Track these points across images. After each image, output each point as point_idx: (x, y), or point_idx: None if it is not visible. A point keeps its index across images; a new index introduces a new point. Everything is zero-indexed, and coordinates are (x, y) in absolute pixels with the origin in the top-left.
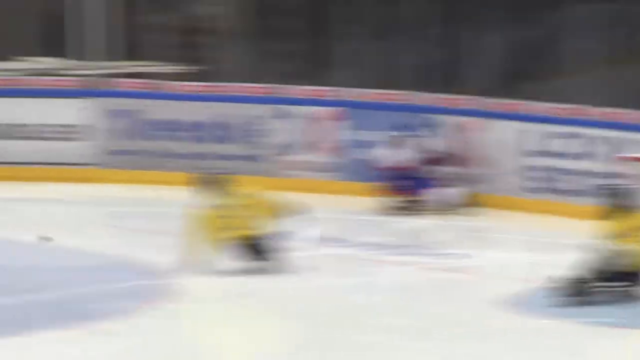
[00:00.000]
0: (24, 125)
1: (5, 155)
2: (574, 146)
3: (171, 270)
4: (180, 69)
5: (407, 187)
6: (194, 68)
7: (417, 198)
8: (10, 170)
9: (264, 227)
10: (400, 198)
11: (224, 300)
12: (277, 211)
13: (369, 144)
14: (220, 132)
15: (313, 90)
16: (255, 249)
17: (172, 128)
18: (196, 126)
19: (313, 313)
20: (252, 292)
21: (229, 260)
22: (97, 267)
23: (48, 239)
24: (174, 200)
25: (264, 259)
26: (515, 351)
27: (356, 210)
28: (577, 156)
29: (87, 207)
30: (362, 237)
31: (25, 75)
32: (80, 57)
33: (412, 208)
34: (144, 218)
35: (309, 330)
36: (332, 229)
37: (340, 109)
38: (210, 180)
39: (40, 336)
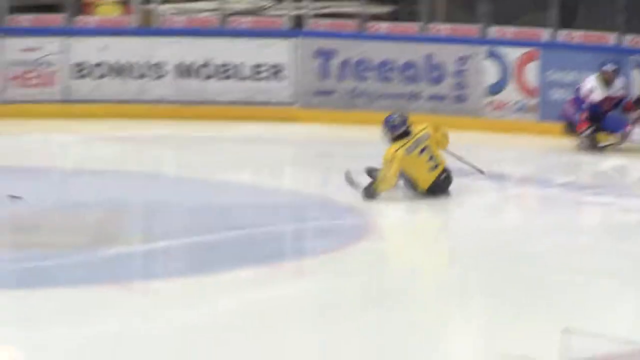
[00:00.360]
0: (227, 64)
1: (208, 95)
2: None
3: (367, 209)
4: (388, 9)
5: (611, 125)
6: (403, 9)
7: (619, 137)
8: (214, 109)
9: (444, 162)
10: (603, 137)
11: (418, 239)
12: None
13: (573, 84)
14: (429, 72)
15: (520, 31)
16: (442, 185)
17: (380, 69)
18: (406, 67)
19: (514, 252)
20: (447, 230)
21: (420, 199)
22: (297, 206)
23: (18, 198)
24: (374, 141)
25: (448, 193)
26: None
27: (558, 149)
28: None
29: (288, 146)
30: (563, 177)
31: (226, 15)
32: None
33: (613, 147)
34: (345, 157)
35: (509, 269)
36: (533, 169)
37: (543, 49)
38: (398, 121)
39: (234, 274)
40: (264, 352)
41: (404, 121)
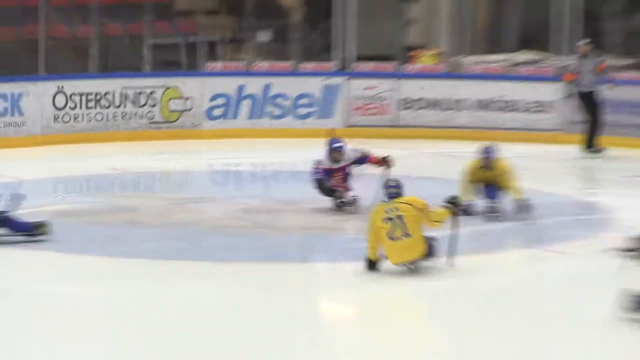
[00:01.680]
0: (511, 101)
1: (497, 123)
2: None
3: (613, 207)
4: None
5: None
6: None
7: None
8: (501, 133)
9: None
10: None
11: None
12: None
13: None
14: None
15: None
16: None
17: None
18: None
19: None
20: None
21: None
22: (561, 205)
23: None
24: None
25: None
26: None
27: None
28: None
29: (553, 162)
30: None
31: (509, 65)
32: (556, 51)
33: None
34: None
35: None
36: None
37: None
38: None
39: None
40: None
41: None
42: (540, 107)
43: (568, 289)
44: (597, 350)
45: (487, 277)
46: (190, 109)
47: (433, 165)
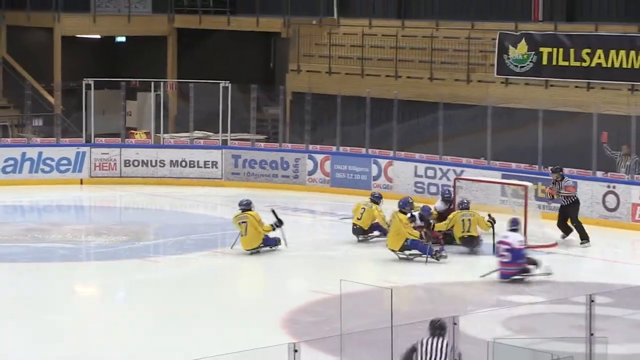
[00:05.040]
0: (191, 160)
1: (180, 174)
2: None
3: None
4: None
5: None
6: None
7: None
8: (183, 181)
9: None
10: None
11: None
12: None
13: None
14: None
15: None
16: None
17: None
18: None
19: None
20: None
21: None
22: None
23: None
24: None
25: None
26: None
27: None
28: None
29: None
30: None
31: (191, 139)
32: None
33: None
34: None
35: None
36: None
37: None
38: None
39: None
40: None
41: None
42: (210, 164)
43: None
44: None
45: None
46: None
47: (145, 202)
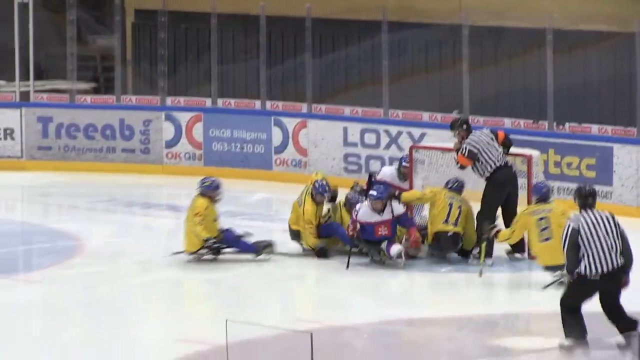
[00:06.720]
0: None
1: None
2: None
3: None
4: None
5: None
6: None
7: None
8: None
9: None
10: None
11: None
12: None
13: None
14: (123, 132)
15: (189, 99)
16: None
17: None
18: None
19: None
20: None
21: None
22: (26, 233)
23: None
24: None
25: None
26: None
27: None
28: None
29: (14, 189)
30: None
31: None
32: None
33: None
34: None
35: None
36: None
37: (206, 113)
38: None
39: None
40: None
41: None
42: (5, 134)
43: (43, 313)
44: None
45: None
46: None
47: None
